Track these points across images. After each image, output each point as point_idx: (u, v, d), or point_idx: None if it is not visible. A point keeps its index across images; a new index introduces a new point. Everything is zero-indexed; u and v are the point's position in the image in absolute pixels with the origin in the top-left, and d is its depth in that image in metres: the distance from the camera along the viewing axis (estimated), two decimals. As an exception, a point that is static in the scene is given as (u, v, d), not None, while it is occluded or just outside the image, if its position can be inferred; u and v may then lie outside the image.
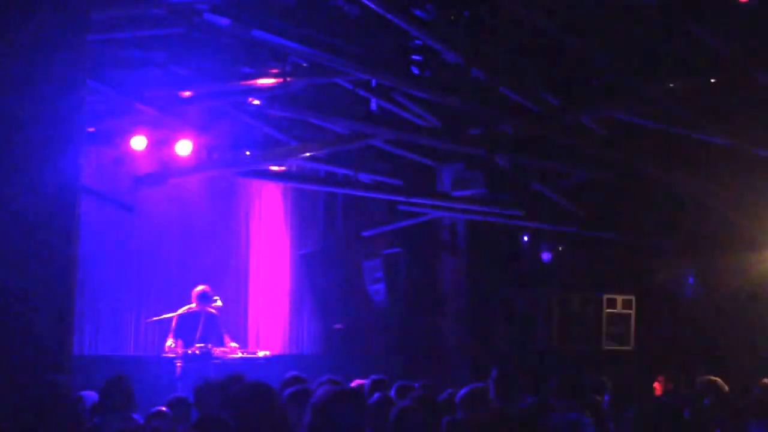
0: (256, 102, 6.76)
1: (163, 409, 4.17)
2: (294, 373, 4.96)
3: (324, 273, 9.36)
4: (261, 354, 8.21)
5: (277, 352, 9.03)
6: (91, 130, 6.69)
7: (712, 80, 5.61)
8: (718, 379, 5.03)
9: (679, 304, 7.92)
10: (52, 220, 3.86)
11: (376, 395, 3.88)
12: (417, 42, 6.10)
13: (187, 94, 6.38)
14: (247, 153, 7.66)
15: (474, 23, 5.78)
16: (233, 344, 8.00)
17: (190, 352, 7.36)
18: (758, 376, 5.85)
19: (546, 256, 8.68)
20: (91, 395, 4.70)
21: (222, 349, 7.70)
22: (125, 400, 4.05)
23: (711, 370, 6.19)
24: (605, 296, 8.64)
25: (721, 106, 6.00)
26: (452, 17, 5.82)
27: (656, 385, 6.84)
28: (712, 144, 6.57)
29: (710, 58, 5.32)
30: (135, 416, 4.17)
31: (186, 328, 7.76)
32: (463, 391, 4.08)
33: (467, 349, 8.81)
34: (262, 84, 6.29)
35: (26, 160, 3.71)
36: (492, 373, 4.38)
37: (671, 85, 5.73)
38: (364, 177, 8.54)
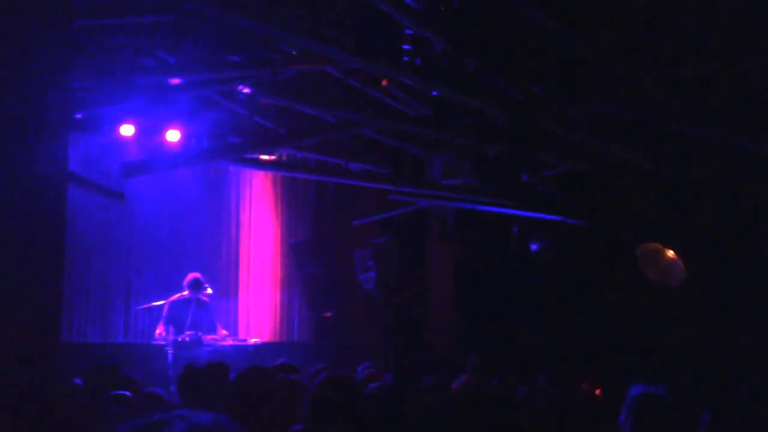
0: (246, 90, 6.74)
1: (155, 391, 4.22)
2: (283, 359, 5.00)
3: (314, 261, 9.39)
4: (251, 341, 8.26)
5: (267, 339, 9.07)
6: (79, 117, 6.66)
7: (699, 72, 5.64)
8: None
9: (662, 294, 7.97)
10: (38, 207, 3.86)
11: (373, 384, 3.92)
12: (407, 31, 6.10)
13: (176, 81, 6.35)
14: (237, 141, 7.65)
15: (464, 13, 5.78)
16: (224, 332, 8.05)
17: (180, 339, 7.39)
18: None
19: (534, 246, 8.72)
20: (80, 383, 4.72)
21: (213, 336, 7.74)
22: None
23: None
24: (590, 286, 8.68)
25: (709, 97, 6.03)
26: (443, 7, 5.81)
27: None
28: (702, 136, 6.61)
29: (697, 48, 5.34)
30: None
31: (177, 316, 7.80)
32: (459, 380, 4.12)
33: (455, 338, 8.86)
34: (251, 72, 6.28)
35: (11, 147, 3.71)
36: (470, 361, 4.42)
37: (660, 76, 5.75)
38: (354, 166, 8.54)
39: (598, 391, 5.37)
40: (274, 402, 3.15)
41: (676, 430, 3.29)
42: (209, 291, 8.02)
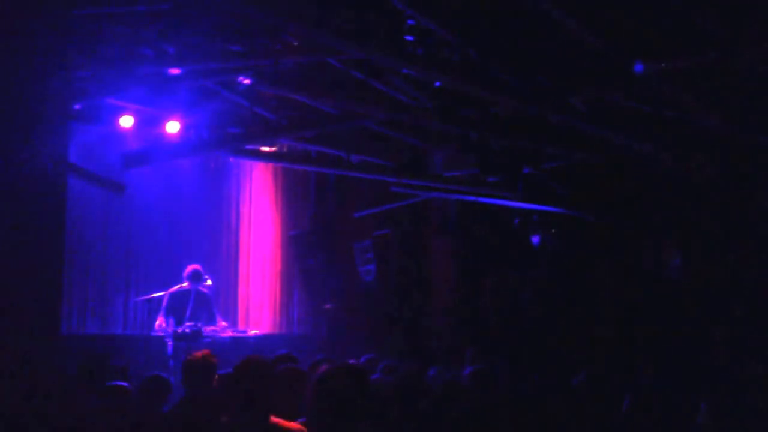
0: (246, 81, 6.70)
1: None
2: (285, 350, 4.99)
3: (314, 253, 9.38)
4: (251, 333, 8.25)
5: (266, 331, 9.07)
6: (78, 107, 6.62)
7: (704, 61, 5.60)
8: None
9: (663, 286, 7.96)
10: (38, 199, 3.82)
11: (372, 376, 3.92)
12: (410, 21, 6.05)
13: (176, 71, 6.31)
14: (237, 133, 7.61)
15: (467, 3, 5.73)
16: (224, 323, 8.04)
17: (180, 330, 7.37)
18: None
19: (536, 238, 8.70)
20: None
21: (212, 327, 7.73)
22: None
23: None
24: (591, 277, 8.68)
25: (712, 87, 5.99)
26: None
27: None
28: (703, 126, 6.58)
29: (701, 38, 5.30)
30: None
31: (177, 307, 7.79)
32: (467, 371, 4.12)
33: (456, 330, 8.86)
34: (252, 62, 6.23)
35: (10, 138, 3.67)
36: (467, 352, 4.42)
37: (663, 65, 5.70)
38: (355, 158, 8.50)
39: None
40: (275, 391, 3.14)
41: (677, 418, 3.30)
42: (209, 282, 8.01)
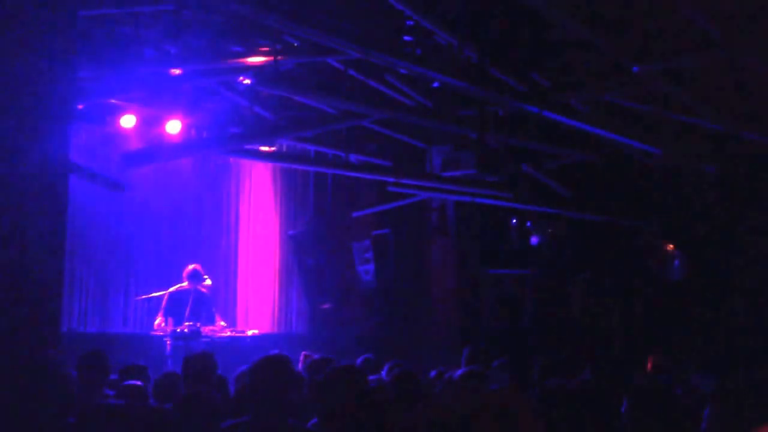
0: (247, 81, 6.72)
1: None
2: (276, 351, 4.99)
3: (313, 253, 9.38)
4: (249, 333, 8.25)
5: (265, 331, 9.07)
6: (80, 107, 6.63)
7: (703, 62, 5.62)
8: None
9: (663, 286, 7.99)
10: (40, 197, 3.84)
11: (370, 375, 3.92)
12: (409, 22, 6.08)
13: (177, 72, 6.32)
14: (237, 132, 7.63)
15: (466, 3, 5.76)
16: (222, 323, 8.04)
17: (179, 330, 7.38)
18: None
19: (534, 238, 8.72)
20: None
21: (211, 327, 7.73)
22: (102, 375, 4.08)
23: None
24: (591, 278, 8.70)
25: (711, 88, 6.02)
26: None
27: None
28: (702, 126, 6.61)
29: (701, 39, 5.32)
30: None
31: (176, 307, 7.79)
32: (459, 372, 4.13)
33: (455, 330, 8.87)
34: (252, 62, 6.25)
35: (14, 137, 3.69)
36: (464, 353, 4.43)
37: (662, 66, 5.73)
38: (354, 158, 8.52)
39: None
40: (292, 391, 3.12)
41: (677, 419, 3.30)
42: (208, 282, 8.01)
